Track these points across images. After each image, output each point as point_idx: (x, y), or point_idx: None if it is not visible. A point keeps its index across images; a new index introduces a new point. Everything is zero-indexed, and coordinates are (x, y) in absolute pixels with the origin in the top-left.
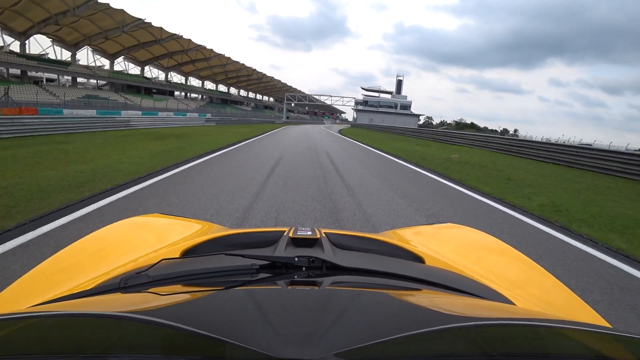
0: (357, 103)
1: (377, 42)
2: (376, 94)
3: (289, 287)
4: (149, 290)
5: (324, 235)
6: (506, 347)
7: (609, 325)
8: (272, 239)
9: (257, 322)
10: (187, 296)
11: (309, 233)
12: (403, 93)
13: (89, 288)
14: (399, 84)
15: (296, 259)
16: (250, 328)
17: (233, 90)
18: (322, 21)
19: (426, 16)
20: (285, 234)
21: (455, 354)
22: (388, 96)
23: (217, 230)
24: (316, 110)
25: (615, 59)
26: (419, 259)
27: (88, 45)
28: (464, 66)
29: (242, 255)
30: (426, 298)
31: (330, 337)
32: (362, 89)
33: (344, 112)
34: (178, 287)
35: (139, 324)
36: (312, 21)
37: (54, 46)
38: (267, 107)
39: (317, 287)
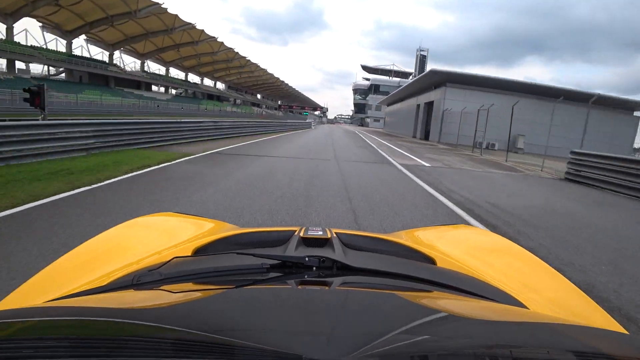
0: (356, 91)
1: (356, 38)
2: (385, 77)
3: (300, 287)
4: (161, 287)
5: (334, 235)
6: (519, 350)
7: (624, 331)
8: (282, 239)
9: (267, 321)
10: (198, 294)
11: (320, 233)
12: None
13: (102, 285)
14: (422, 61)
15: (307, 259)
16: (261, 327)
17: (155, 67)
18: (298, 13)
19: (407, 11)
20: (296, 233)
21: (465, 357)
22: (406, 80)
23: (228, 229)
24: (292, 104)
25: (591, 59)
26: (430, 260)
27: None
28: (443, 63)
29: (253, 255)
30: (437, 300)
31: (340, 337)
32: (365, 69)
33: (325, 108)
34: (189, 285)
35: (151, 320)
36: (289, 13)
37: None
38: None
39: (327, 287)
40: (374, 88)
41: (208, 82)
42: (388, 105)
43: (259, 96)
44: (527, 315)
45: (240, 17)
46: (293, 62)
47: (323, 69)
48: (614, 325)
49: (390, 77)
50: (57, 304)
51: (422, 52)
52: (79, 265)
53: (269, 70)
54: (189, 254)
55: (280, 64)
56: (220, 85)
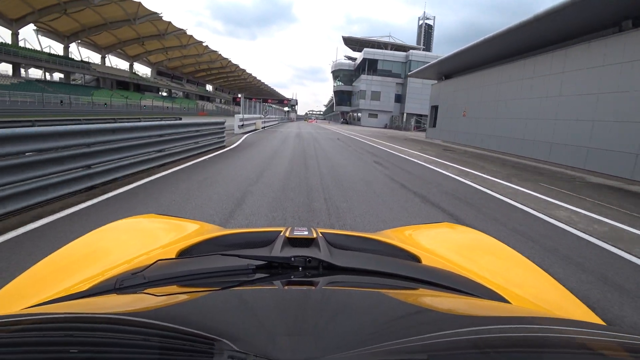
0: (337, 75)
1: (326, 32)
2: (378, 50)
3: (286, 287)
4: (145, 291)
5: (320, 235)
6: (501, 345)
7: (602, 323)
8: (268, 239)
9: (253, 322)
10: (183, 297)
11: (306, 233)
12: (435, 51)
13: (84, 289)
14: (428, 33)
15: (293, 259)
16: (247, 329)
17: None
18: (266, 6)
19: (377, 5)
20: (281, 233)
21: (451, 353)
22: (422, 53)
23: (213, 231)
24: (252, 97)
25: None
26: (415, 258)
27: None
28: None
29: (239, 256)
30: (422, 297)
31: (326, 337)
32: (348, 43)
33: (291, 101)
34: (174, 288)
35: (134, 325)
36: (256, 6)
37: None
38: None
39: (313, 287)
40: (369, 65)
41: (123, 64)
42: (444, 78)
43: (209, 87)
44: (510, 310)
45: (205, 9)
46: (262, 57)
47: (293, 64)
48: (592, 317)
49: (384, 49)
50: (35, 310)
51: (427, 21)
52: (58, 269)
53: (211, 47)
54: (173, 256)
55: (250, 59)
56: (145, 70)
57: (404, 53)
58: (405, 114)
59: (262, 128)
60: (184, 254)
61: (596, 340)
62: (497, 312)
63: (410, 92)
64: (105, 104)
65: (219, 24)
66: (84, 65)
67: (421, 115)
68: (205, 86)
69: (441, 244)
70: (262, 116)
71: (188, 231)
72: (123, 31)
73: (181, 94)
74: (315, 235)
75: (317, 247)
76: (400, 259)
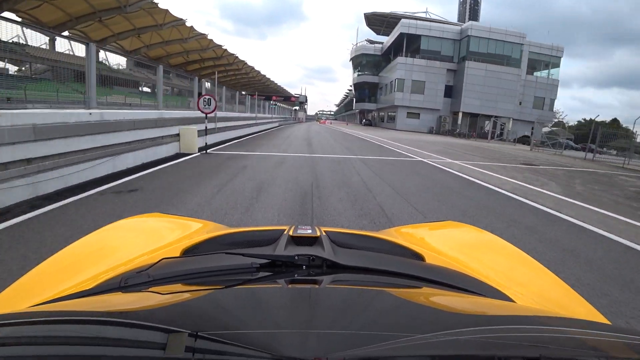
0: (357, 63)
1: (336, 31)
2: (421, 22)
3: (290, 286)
4: (149, 289)
5: (324, 233)
6: (506, 344)
7: (607, 322)
8: (272, 238)
9: (257, 321)
10: (187, 295)
11: (309, 231)
12: (483, 21)
13: (89, 287)
14: (474, 7)
15: (296, 258)
16: (251, 327)
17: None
18: (275, 5)
19: (388, 3)
20: (285, 232)
21: (456, 352)
22: (457, 30)
23: (217, 229)
24: (253, 94)
25: (572, 53)
26: (419, 256)
27: None
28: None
29: (242, 254)
30: (426, 296)
31: (331, 335)
32: (372, 21)
33: (300, 98)
34: (178, 287)
35: (139, 323)
36: (265, 5)
37: None
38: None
39: (317, 286)
40: (407, 44)
41: (79, 51)
42: None
43: (207, 84)
44: (515, 308)
45: (214, 9)
46: (273, 57)
47: (302, 64)
48: (597, 316)
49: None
50: (41, 309)
51: None
52: (64, 268)
53: (193, 27)
54: (178, 255)
55: (261, 59)
56: (117, 60)
57: (457, 27)
58: (460, 114)
59: (203, 152)
60: (188, 252)
61: (601, 340)
62: (502, 311)
63: (468, 83)
64: (9, 99)
65: (229, 23)
66: (12, 48)
67: (495, 117)
68: (201, 82)
69: (445, 242)
70: (208, 112)
71: (192, 230)
72: (70, 3)
73: (169, 89)
74: (319, 234)
75: (321, 245)
76: (404, 258)
